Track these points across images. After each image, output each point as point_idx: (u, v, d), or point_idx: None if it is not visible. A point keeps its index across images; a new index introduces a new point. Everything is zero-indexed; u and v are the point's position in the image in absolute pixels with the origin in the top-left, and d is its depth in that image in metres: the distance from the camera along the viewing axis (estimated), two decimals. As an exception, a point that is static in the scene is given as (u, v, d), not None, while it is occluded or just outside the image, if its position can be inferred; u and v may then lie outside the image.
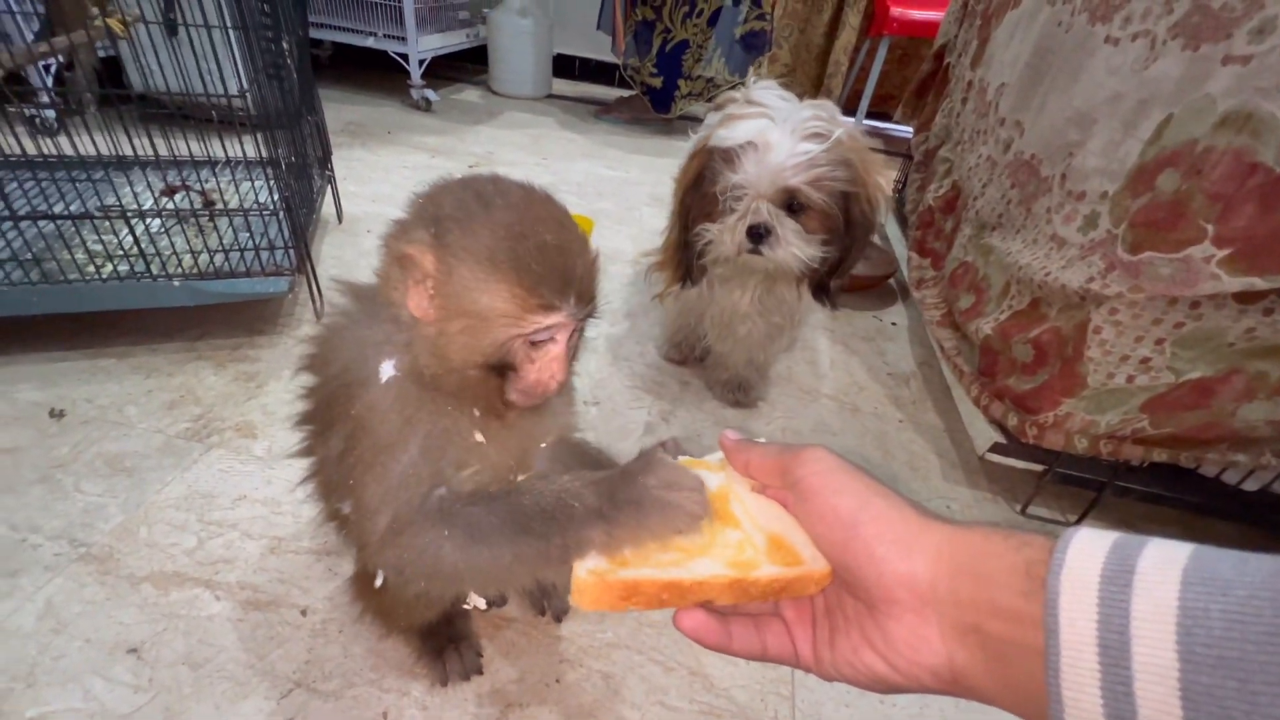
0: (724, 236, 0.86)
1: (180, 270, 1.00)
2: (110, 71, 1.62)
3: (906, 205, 1.60)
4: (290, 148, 1.10)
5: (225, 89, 0.96)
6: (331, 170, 1.43)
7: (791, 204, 0.83)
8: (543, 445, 0.54)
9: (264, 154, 1.03)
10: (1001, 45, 1.17)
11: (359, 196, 1.65)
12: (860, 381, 1.25)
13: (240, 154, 1.28)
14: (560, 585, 0.72)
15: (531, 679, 0.68)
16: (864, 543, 0.32)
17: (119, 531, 0.77)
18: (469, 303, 0.41)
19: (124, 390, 0.97)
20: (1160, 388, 0.79)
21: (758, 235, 0.83)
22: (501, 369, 0.44)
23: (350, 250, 1.41)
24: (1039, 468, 0.94)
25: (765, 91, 0.89)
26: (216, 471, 0.86)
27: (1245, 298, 0.70)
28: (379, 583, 0.53)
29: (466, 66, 2.99)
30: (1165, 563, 0.24)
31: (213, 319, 1.12)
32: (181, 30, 1.00)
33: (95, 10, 0.96)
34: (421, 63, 2.31)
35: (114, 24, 0.96)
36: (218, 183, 1.20)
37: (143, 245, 0.96)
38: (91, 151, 1.04)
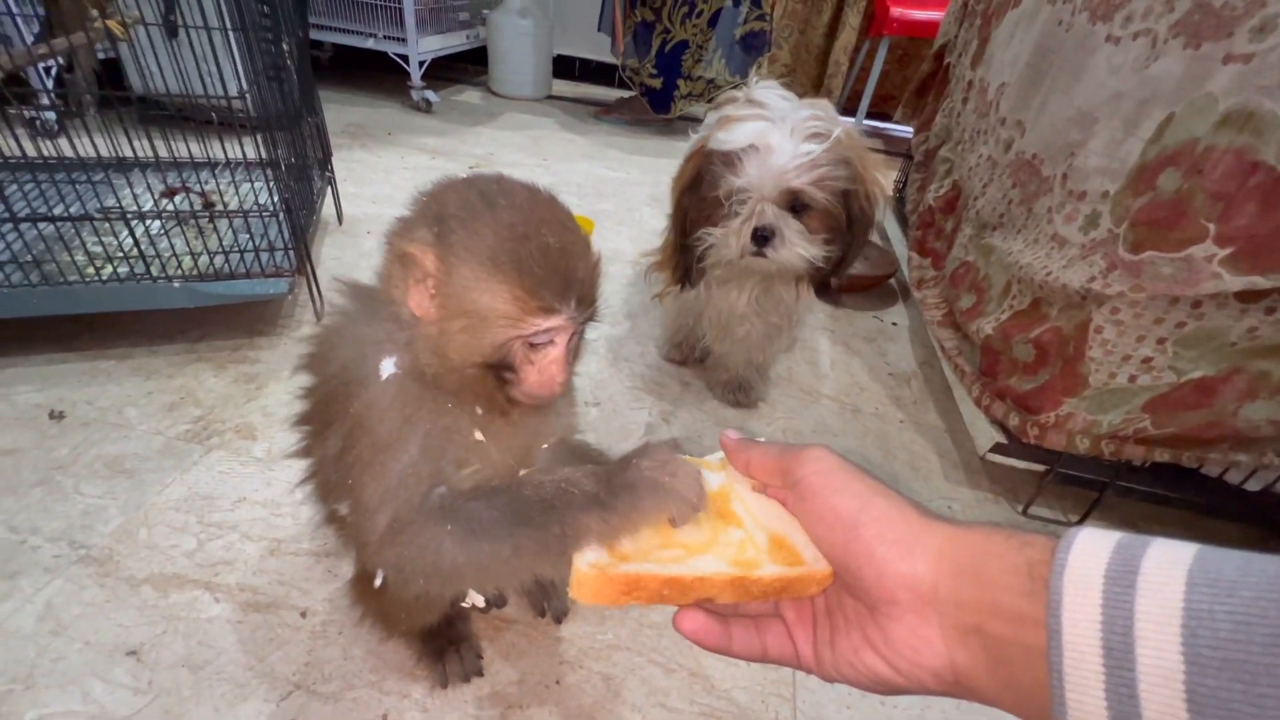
0: (728, 240, 0.85)
1: (180, 272, 1.00)
2: (110, 73, 1.62)
3: (907, 205, 1.60)
4: (290, 149, 1.10)
5: (225, 91, 0.96)
6: (331, 171, 1.43)
7: (794, 205, 0.83)
8: (544, 446, 0.54)
9: (264, 155, 1.03)
10: (1002, 45, 1.16)
11: (359, 198, 1.65)
12: (861, 382, 1.25)
13: (240, 155, 1.29)
14: (560, 582, 0.72)
15: (532, 681, 0.68)
16: (865, 543, 0.31)
17: (119, 533, 0.77)
18: (469, 303, 0.41)
19: (124, 392, 0.96)
20: (1162, 387, 0.78)
21: (762, 238, 0.83)
22: (502, 369, 0.44)
23: (350, 251, 1.41)
24: (1041, 468, 0.94)
25: (766, 91, 0.88)
26: (216, 473, 0.86)
27: (1247, 297, 0.70)
28: (378, 583, 0.52)
29: (467, 68, 2.99)
30: (1169, 563, 0.23)
31: (213, 320, 1.12)
32: (181, 32, 1.00)
33: (95, 12, 0.95)
34: (422, 64, 2.31)
35: (114, 26, 0.96)
36: (218, 184, 1.20)
37: (143, 247, 0.96)
38: (91, 153, 1.04)
